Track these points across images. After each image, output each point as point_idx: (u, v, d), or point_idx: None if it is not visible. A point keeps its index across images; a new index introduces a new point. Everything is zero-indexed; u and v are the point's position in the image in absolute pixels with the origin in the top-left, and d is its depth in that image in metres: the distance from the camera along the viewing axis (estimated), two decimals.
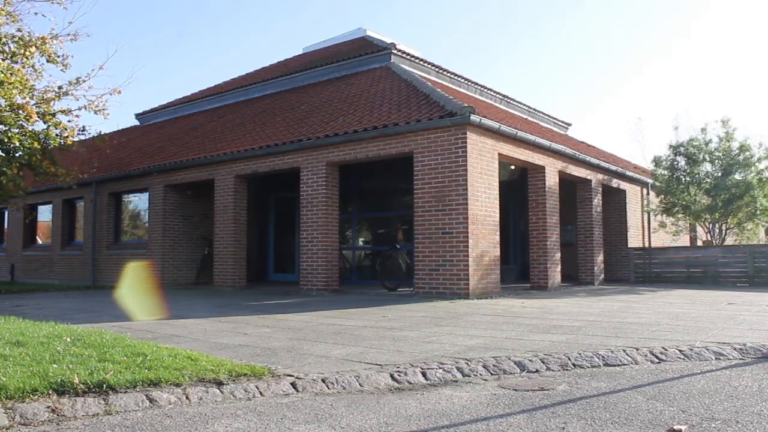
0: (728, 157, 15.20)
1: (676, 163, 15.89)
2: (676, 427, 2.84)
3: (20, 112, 12.05)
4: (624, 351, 4.65)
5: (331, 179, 11.85)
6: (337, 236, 12.09)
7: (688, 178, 15.52)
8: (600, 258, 14.58)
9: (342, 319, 7.07)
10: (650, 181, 16.67)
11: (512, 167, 13.30)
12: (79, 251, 17.35)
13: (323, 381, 3.79)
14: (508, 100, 19.03)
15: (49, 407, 3.10)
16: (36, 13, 14.69)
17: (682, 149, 15.73)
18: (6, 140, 12.27)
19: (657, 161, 16.17)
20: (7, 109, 11.92)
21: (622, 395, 3.52)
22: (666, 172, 15.89)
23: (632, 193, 16.55)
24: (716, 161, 15.39)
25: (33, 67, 12.37)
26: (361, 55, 15.88)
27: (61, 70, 12.79)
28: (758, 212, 14.82)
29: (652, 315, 7.20)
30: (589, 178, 14.16)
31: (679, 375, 4.08)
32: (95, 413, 3.14)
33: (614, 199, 16.06)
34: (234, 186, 13.36)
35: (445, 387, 3.81)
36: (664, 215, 16.12)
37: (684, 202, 15.23)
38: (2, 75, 11.16)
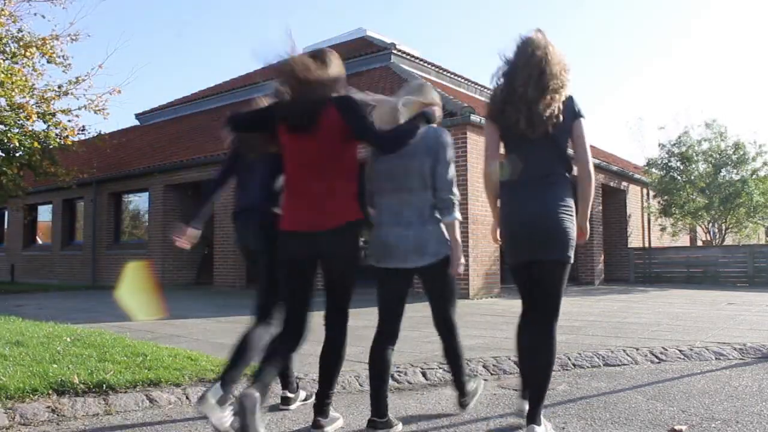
0: (724, 156, 15.24)
1: (670, 162, 15.92)
2: (676, 427, 2.84)
3: (20, 111, 12.04)
4: (624, 351, 4.64)
5: None
6: None
7: (683, 177, 15.53)
8: (600, 258, 14.58)
9: None
10: (650, 180, 16.70)
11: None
12: (79, 251, 17.34)
13: None
14: None
15: (49, 407, 3.09)
16: (35, 14, 14.69)
17: (675, 150, 15.76)
18: (6, 140, 12.26)
19: (651, 162, 16.20)
20: (7, 108, 11.91)
21: (622, 395, 3.52)
22: (661, 172, 15.91)
23: (632, 193, 16.55)
24: (710, 160, 15.42)
25: (33, 67, 12.37)
26: (361, 55, 15.86)
27: (63, 71, 12.78)
28: (756, 209, 14.83)
29: (652, 315, 7.20)
30: None
31: (679, 375, 4.08)
32: (95, 413, 3.14)
33: (614, 199, 16.05)
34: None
35: (445, 387, 3.80)
36: (662, 216, 16.14)
37: (681, 202, 15.24)
38: (2, 75, 11.16)
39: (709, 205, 14.97)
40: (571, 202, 2.67)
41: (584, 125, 2.71)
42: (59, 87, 12.92)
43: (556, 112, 2.60)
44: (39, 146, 12.66)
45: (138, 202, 16.65)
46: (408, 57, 15.74)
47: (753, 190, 14.41)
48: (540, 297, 2.74)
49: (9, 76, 11.29)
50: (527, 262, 2.73)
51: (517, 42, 2.72)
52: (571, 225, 2.63)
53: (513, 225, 2.72)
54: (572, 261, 2.67)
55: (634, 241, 16.34)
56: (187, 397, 3.42)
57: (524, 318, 2.93)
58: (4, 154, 12.83)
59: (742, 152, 15.10)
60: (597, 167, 14.43)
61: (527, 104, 2.60)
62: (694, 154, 15.51)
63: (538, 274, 2.70)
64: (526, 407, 2.70)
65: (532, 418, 2.61)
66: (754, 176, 14.94)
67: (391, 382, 3.89)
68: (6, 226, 20.83)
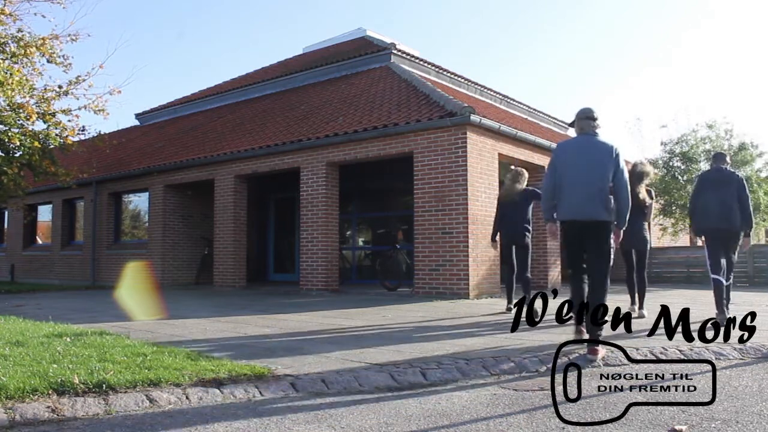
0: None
1: (671, 162, 15.92)
2: (676, 427, 2.84)
3: (20, 111, 12.03)
4: (624, 351, 4.63)
5: (331, 179, 11.85)
6: (337, 236, 12.08)
7: (684, 177, 15.53)
8: None
9: (342, 319, 7.07)
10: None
11: (512, 167, 13.27)
12: (79, 251, 17.34)
13: (323, 381, 3.79)
14: (508, 100, 19.02)
15: (49, 407, 3.09)
16: (36, 14, 14.64)
17: (677, 149, 15.77)
18: (6, 140, 12.25)
19: (651, 162, 16.19)
20: (7, 108, 11.91)
21: (622, 395, 3.52)
22: (661, 171, 15.90)
23: None
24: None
25: (33, 67, 12.36)
26: (361, 55, 15.87)
27: (63, 71, 12.77)
28: (758, 209, 14.83)
29: (652, 315, 7.19)
30: None
31: (679, 375, 4.07)
32: (95, 413, 3.14)
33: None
34: (234, 186, 13.36)
35: (445, 387, 3.80)
36: (662, 216, 16.12)
37: (682, 201, 15.23)
38: (2, 75, 11.15)
39: None
40: (646, 224, 7.08)
41: (653, 205, 7.15)
42: (59, 87, 12.92)
43: (643, 196, 6.90)
44: (39, 145, 12.64)
45: (138, 202, 16.65)
46: (408, 57, 15.74)
47: (757, 190, 14.43)
48: (638, 261, 7.12)
49: (8, 76, 11.27)
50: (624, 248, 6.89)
51: (634, 163, 7.17)
52: (646, 233, 7.14)
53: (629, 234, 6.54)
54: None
55: None
56: (187, 397, 3.42)
57: (629, 272, 7.17)
58: (3, 154, 12.82)
59: (746, 153, 15.12)
60: None
61: (633, 192, 6.14)
62: (695, 154, 15.51)
63: (636, 255, 7.08)
64: (636, 307, 7.03)
65: (641, 307, 6.98)
66: (756, 176, 14.96)
67: (390, 381, 3.90)
68: (6, 226, 20.82)
